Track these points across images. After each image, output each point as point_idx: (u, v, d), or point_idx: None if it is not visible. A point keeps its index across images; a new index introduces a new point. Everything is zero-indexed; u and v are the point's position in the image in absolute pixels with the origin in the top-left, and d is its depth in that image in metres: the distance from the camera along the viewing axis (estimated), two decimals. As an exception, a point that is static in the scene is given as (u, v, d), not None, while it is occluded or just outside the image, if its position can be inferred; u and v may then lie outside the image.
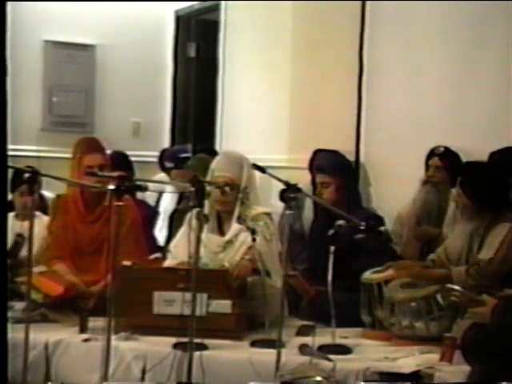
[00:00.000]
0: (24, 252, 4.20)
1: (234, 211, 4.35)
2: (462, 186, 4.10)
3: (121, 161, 5.68)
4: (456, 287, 3.81)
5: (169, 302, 4.00)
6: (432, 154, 4.86)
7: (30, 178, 3.57)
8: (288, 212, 3.83)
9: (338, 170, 4.94)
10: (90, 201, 4.64)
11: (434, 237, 4.69)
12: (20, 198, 4.99)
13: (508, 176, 4.13)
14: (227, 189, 4.30)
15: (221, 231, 4.44)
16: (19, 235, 4.46)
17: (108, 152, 4.86)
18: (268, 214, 4.38)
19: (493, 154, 4.36)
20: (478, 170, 4.17)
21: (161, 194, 6.17)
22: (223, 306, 3.99)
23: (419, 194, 4.85)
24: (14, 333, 3.36)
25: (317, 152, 5.19)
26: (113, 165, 4.77)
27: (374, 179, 5.41)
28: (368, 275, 4.26)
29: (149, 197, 5.98)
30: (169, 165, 6.27)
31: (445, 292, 3.90)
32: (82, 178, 4.50)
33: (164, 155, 6.49)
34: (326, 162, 5.02)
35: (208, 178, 4.32)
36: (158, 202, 6.20)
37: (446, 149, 4.82)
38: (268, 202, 4.89)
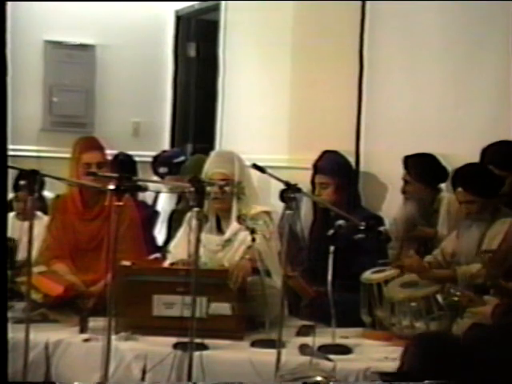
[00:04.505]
0: (24, 252, 4.19)
1: (231, 208, 4.36)
2: (466, 187, 4.10)
3: (125, 163, 5.67)
4: (455, 289, 3.83)
5: (168, 305, 4.00)
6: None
7: (30, 179, 3.57)
8: (288, 212, 3.83)
9: (336, 171, 4.92)
10: (88, 199, 4.64)
11: (431, 236, 4.67)
12: (19, 199, 4.97)
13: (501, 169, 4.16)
14: (227, 188, 4.31)
15: (220, 230, 4.45)
16: (9, 240, 4.42)
17: (111, 152, 4.86)
18: (268, 213, 4.38)
19: (485, 150, 4.35)
20: (477, 169, 4.18)
21: (158, 194, 6.12)
22: (223, 308, 3.99)
23: (405, 207, 4.81)
24: (14, 333, 3.37)
25: (324, 153, 5.19)
26: (116, 166, 4.76)
27: (374, 179, 5.40)
28: (368, 275, 4.26)
29: (148, 197, 5.97)
30: (162, 170, 6.10)
31: (445, 293, 3.91)
32: (81, 177, 4.50)
33: (157, 161, 6.27)
34: (325, 163, 5.01)
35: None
36: (155, 202, 6.16)
37: (408, 159, 4.73)
38: (267, 202, 4.89)
